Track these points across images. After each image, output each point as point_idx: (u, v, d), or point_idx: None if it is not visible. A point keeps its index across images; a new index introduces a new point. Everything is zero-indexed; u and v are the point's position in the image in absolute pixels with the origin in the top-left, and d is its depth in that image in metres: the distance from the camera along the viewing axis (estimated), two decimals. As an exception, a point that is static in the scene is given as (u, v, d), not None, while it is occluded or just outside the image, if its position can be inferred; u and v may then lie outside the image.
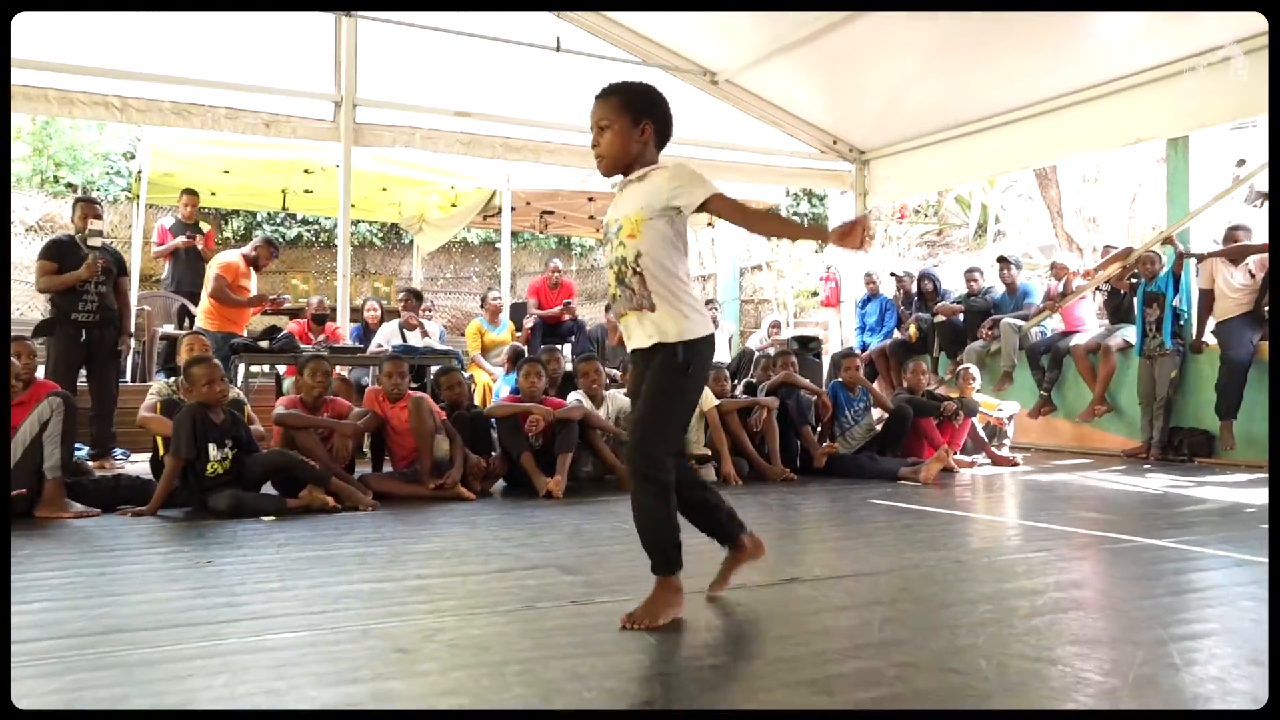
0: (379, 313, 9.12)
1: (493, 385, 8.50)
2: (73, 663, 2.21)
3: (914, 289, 9.97)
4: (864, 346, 9.93)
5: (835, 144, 10.27)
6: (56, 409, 4.45)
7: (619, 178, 2.74)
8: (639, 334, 2.65)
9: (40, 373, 5.76)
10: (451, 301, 15.60)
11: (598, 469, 5.95)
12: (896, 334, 9.76)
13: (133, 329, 7.25)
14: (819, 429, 6.67)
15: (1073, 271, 8.60)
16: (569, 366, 6.96)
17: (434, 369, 7.31)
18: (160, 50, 7.69)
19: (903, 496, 5.36)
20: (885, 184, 10.35)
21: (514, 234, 13.01)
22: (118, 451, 6.78)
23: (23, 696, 1.97)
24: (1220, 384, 6.93)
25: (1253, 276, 6.89)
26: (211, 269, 7.95)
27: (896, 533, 4.20)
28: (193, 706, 1.93)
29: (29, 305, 12.20)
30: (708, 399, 6.15)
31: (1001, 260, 9.26)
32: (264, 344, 6.91)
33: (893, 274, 10.44)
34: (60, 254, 6.49)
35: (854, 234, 2.54)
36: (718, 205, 2.62)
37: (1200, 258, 7.24)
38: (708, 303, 12.20)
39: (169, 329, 8.81)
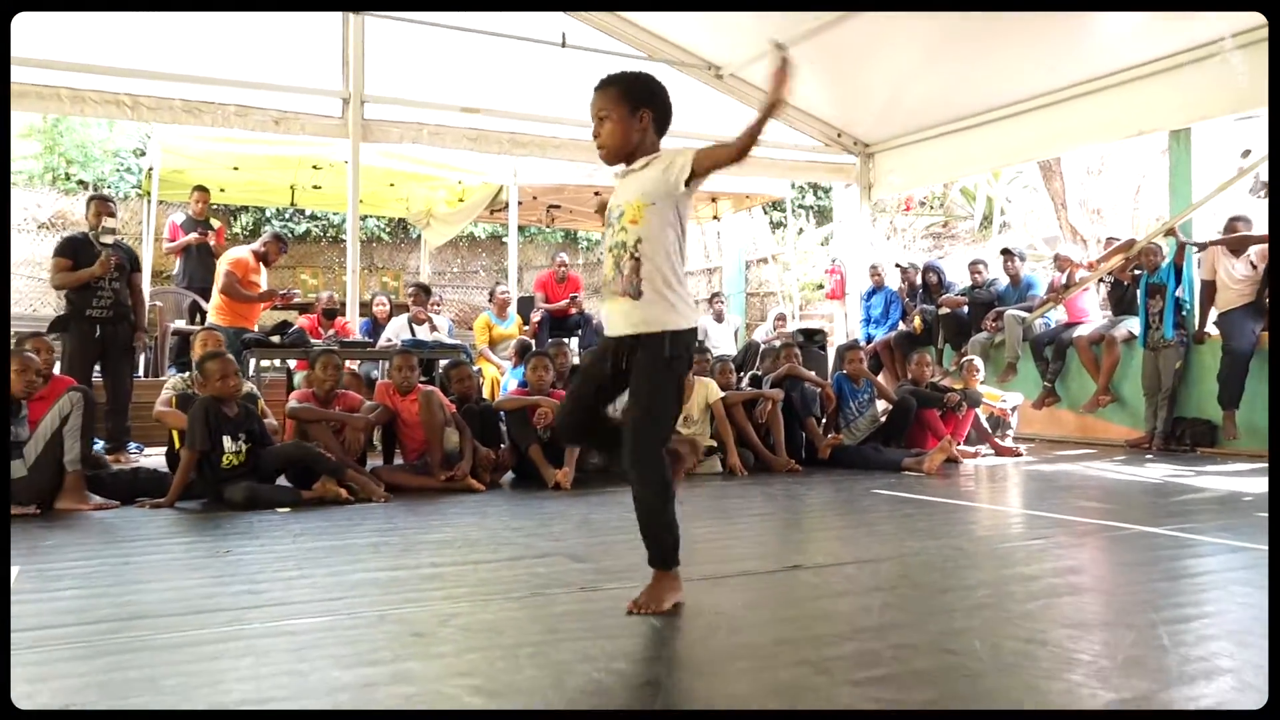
0: (388, 307, 9.22)
1: (500, 379, 8.59)
2: (104, 646, 2.31)
3: (918, 281, 10.04)
4: (869, 339, 10.00)
5: (840, 137, 10.32)
6: (76, 404, 4.55)
7: (622, 166, 2.78)
8: (620, 321, 2.66)
9: (56, 368, 5.88)
10: (459, 295, 15.70)
11: (604, 461, 6.03)
12: (901, 326, 9.83)
13: (146, 325, 7.35)
14: (823, 421, 6.75)
15: (1076, 263, 8.65)
16: (576, 360, 7.05)
17: (443, 363, 7.42)
18: (170, 49, 7.78)
19: (906, 487, 5.44)
20: (890, 177, 10.41)
21: (521, 228, 13.09)
22: (132, 446, 6.89)
23: (58, 678, 2.06)
24: (1222, 374, 6.99)
25: (1254, 268, 6.94)
26: (222, 265, 8.05)
27: (898, 522, 4.29)
28: (220, 685, 2.02)
29: (42, 301, 12.34)
30: (713, 391, 6.24)
31: (1005, 252, 9.32)
32: (275, 339, 7.01)
33: (897, 266, 10.51)
34: (74, 251, 6.60)
35: (781, 82, 2.51)
36: (702, 161, 2.61)
37: (1201, 246, 7.29)
38: (714, 296, 12.31)
39: (181, 324, 8.93)
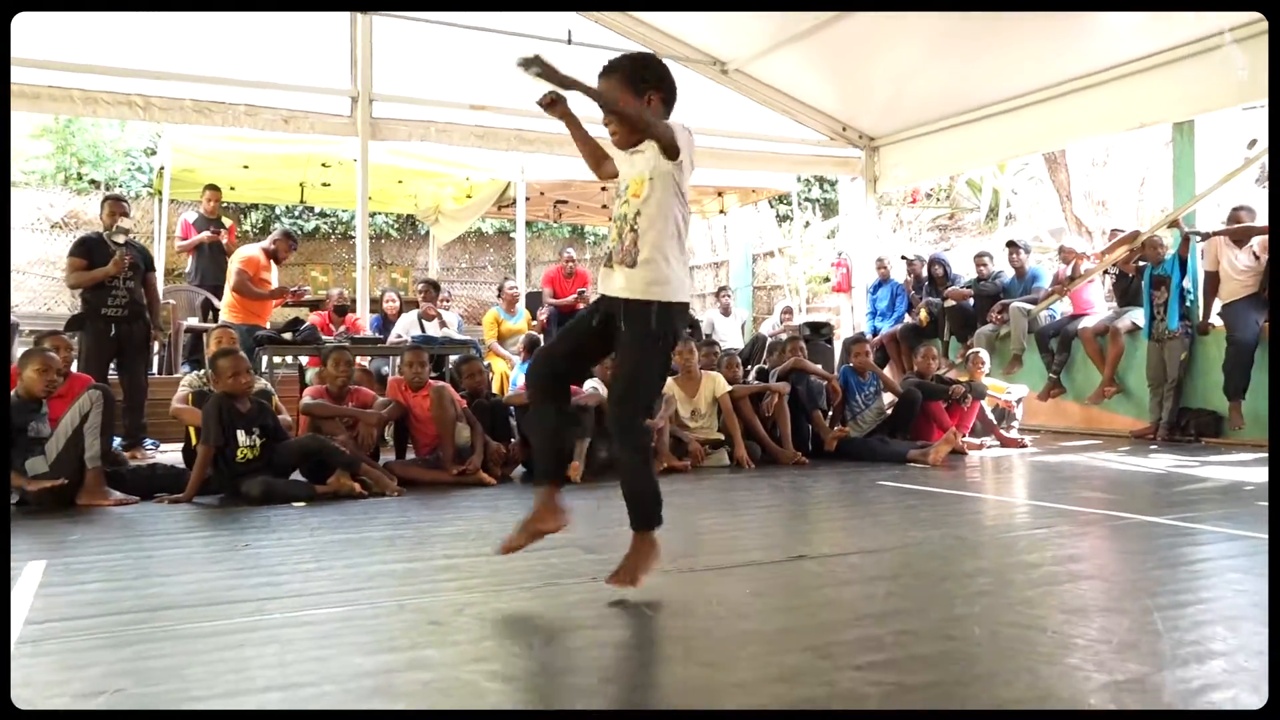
0: (398, 304, 9.30)
1: (510, 374, 8.67)
2: (131, 636, 2.39)
3: (924, 274, 10.08)
4: (875, 331, 10.05)
5: (845, 131, 10.37)
6: (96, 401, 4.65)
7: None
8: (613, 284, 2.73)
9: (73, 367, 5.98)
10: (467, 291, 15.78)
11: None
12: (907, 319, 9.87)
13: (162, 323, 7.44)
14: (830, 413, 6.82)
15: (1080, 255, 8.70)
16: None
17: (453, 358, 7.51)
18: (181, 49, 7.86)
19: (911, 478, 5.50)
20: (895, 170, 10.45)
21: (528, 223, 13.17)
22: (148, 442, 6.98)
23: (90, 665, 2.15)
24: (1227, 365, 7.03)
25: (1257, 258, 6.98)
26: (233, 263, 8.14)
27: (903, 512, 4.36)
28: (245, 672, 2.10)
29: (56, 300, 12.46)
30: (720, 385, 6.31)
31: (1010, 245, 9.36)
32: (287, 336, 7.09)
33: (903, 258, 10.55)
34: (89, 251, 6.68)
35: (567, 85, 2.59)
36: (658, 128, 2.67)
37: (1204, 236, 7.33)
38: (720, 289, 12.36)
39: (194, 322, 9.02)
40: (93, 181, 13.82)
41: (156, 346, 7.78)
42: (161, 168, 10.40)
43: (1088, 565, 3.25)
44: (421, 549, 3.54)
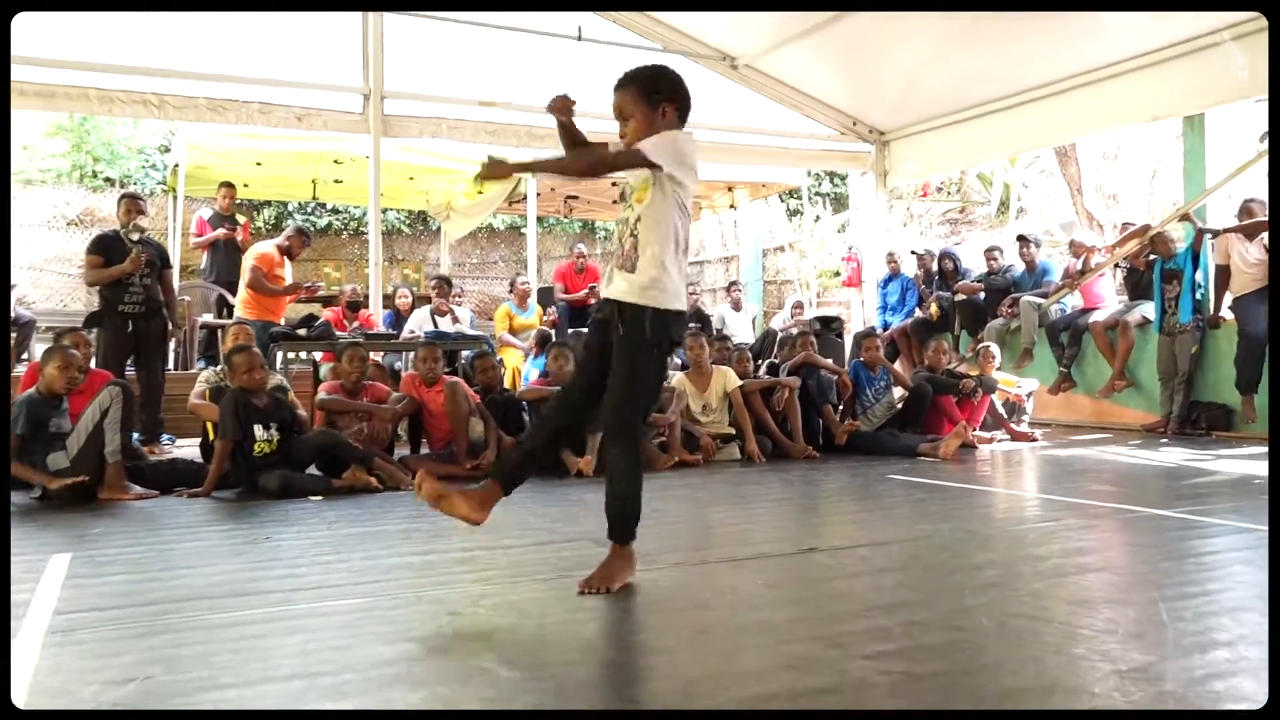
0: (410, 299, 9.37)
1: (522, 369, 8.73)
2: (159, 626, 2.46)
3: (935, 268, 10.10)
4: (886, 325, 10.08)
5: (855, 125, 10.39)
6: (116, 397, 4.72)
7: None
8: (613, 286, 2.78)
9: (91, 363, 6.05)
10: (479, 287, 15.85)
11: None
12: (918, 313, 9.89)
13: (179, 319, 7.53)
14: (840, 407, 6.85)
15: (1091, 248, 8.70)
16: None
17: (465, 353, 7.57)
18: (195, 48, 7.94)
19: (921, 472, 5.54)
20: (905, 164, 10.47)
21: (539, 219, 13.22)
22: (165, 437, 7.06)
23: (121, 654, 2.21)
24: (1239, 359, 7.03)
25: (1268, 251, 6.98)
26: (248, 260, 8.22)
27: (912, 506, 4.40)
28: (270, 661, 2.16)
29: (72, 297, 12.59)
30: (731, 379, 6.36)
31: (1021, 239, 9.37)
32: (302, 332, 7.16)
33: (914, 253, 10.56)
34: (106, 248, 6.76)
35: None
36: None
37: (1215, 234, 7.33)
38: (731, 284, 12.39)
39: (209, 318, 9.11)
40: (108, 179, 13.93)
41: (173, 343, 7.86)
42: (176, 165, 10.50)
43: (1095, 558, 3.29)
44: (437, 542, 3.59)
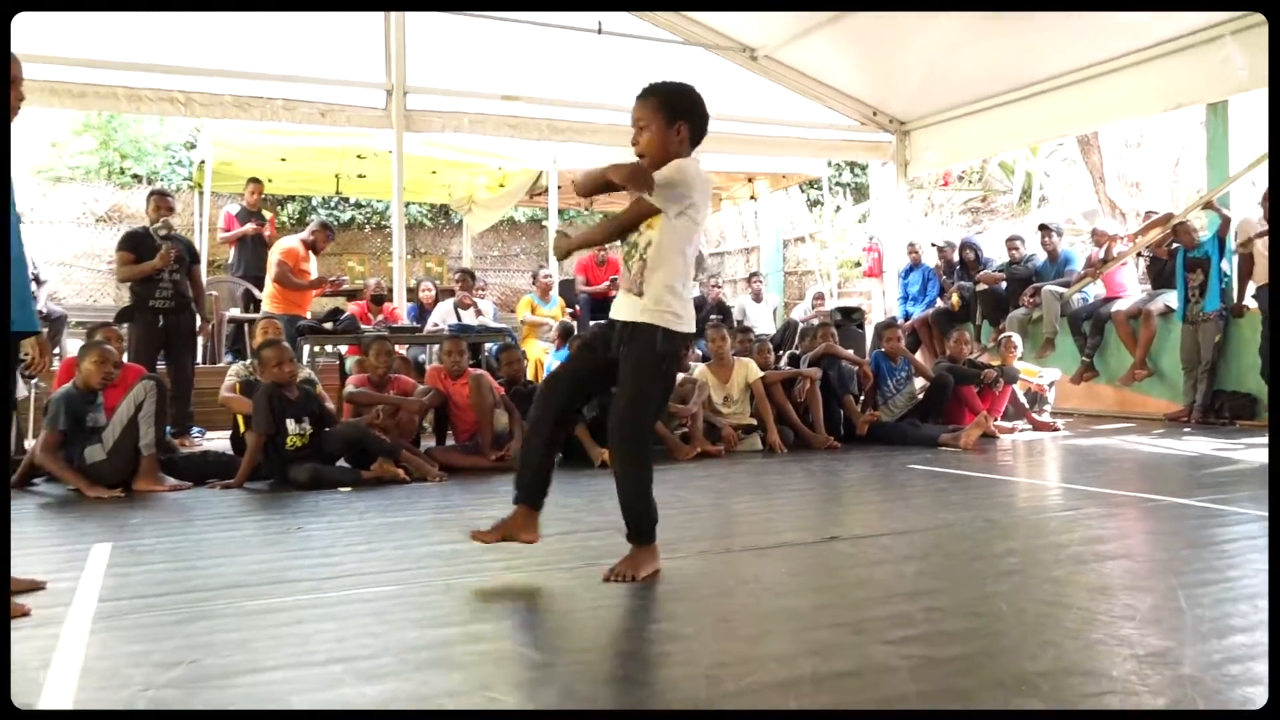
0: (433, 293, 9.46)
1: (544, 361, 8.81)
2: (200, 612, 2.54)
3: (956, 258, 10.09)
4: (907, 316, 10.08)
5: (875, 115, 10.37)
6: (150, 391, 4.82)
7: None
8: (622, 310, 2.86)
9: (124, 358, 6.17)
10: (500, 279, 15.95)
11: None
12: (939, 303, 9.89)
13: (208, 314, 7.64)
14: (861, 398, 6.89)
15: (1114, 237, 8.67)
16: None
17: (488, 346, 7.65)
18: (220, 46, 8.04)
19: (942, 462, 5.57)
20: (926, 154, 10.45)
21: (560, 211, 13.28)
22: (195, 430, 7.19)
23: (165, 639, 2.30)
24: (1264, 348, 7.00)
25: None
26: (273, 255, 8.32)
27: (933, 495, 4.43)
28: (308, 645, 2.24)
29: (101, 292, 12.78)
30: (753, 371, 6.40)
31: (1043, 228, 9.34)
32: (328, 325, 7.26)
33: (934, 245, 10.55)
34: (136, 245, 6.88)
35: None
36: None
37: (1244, 245, 7.25)
38: (752, 275, 12.42)
39: (235, 313, 9.24)
40: (135, 176, 14.11)
41: (200, 337, 7.98)
42: (201, 161, 10.63)
43: (1116, 546, 3.32)
44: (466, 531, 3.66)
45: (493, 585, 2.80)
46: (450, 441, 5.91)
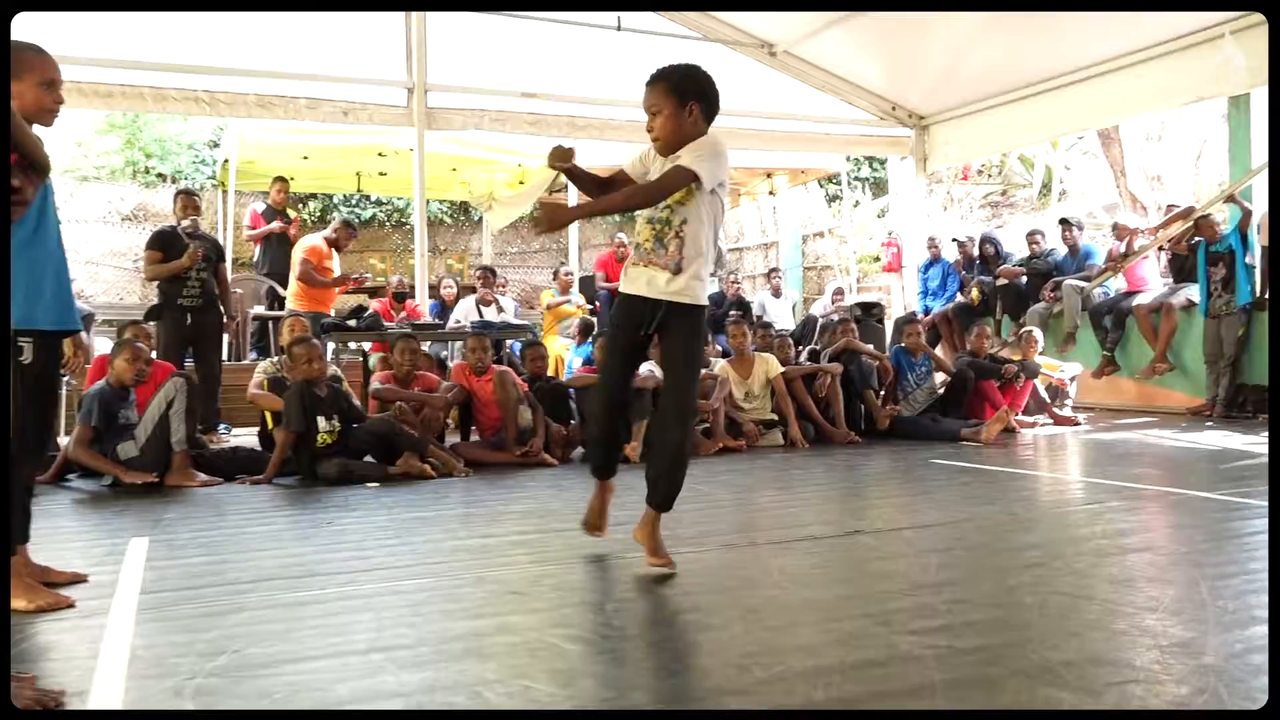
0: (455, 289, 9.53)
1: (565, 357, 8.86)
2: (241, 603, 2.61)
3: (975, 253, 10.07)
4: (927, 310, 10.08)
5: (894, 110, 10.37)
6: (180, 389, 4.91)
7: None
8: (650, 284, 2.89)
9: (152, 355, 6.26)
10: (520, 276, 16.01)
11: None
12: (959, 297, 9.89)
13: (234, 312, 7.74)
14: (882, 393, 6.91)
15: (1135, 231, 8.65)
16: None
17: (510, 342, 7.71)
18: (244, 46, 8.13)
19: (963, 456, 5.60)
20: (946, 148, 10.44)
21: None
22: (221, 426, 7.28)
23: (212, 629, 2.36)
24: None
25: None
26: (297, 253, 8.40)
27: (955, 489, 4.46)
28: (347, 635, 2.30)
29: (127, 290, 12.93)
30: (774, 366, 6.44)
31: (1063, 222, 9.33)
32: (351, 323, 7.33)
33: (954, 240, 10.54)
34: (164, 244, 6.96)
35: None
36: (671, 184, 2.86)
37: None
38: (771, 271, 12.44)
39: (260, 310, 9.34)
40: (160, 175, 14.25)
41: (225, 335, 8.08)
42: (225, 160, 10.73)
43: (1138, 539, 3.34)
44: (494, 526, 3.73)
45: (523, 578, 2.85)
46: (475, 437, 5.97)
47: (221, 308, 7.16)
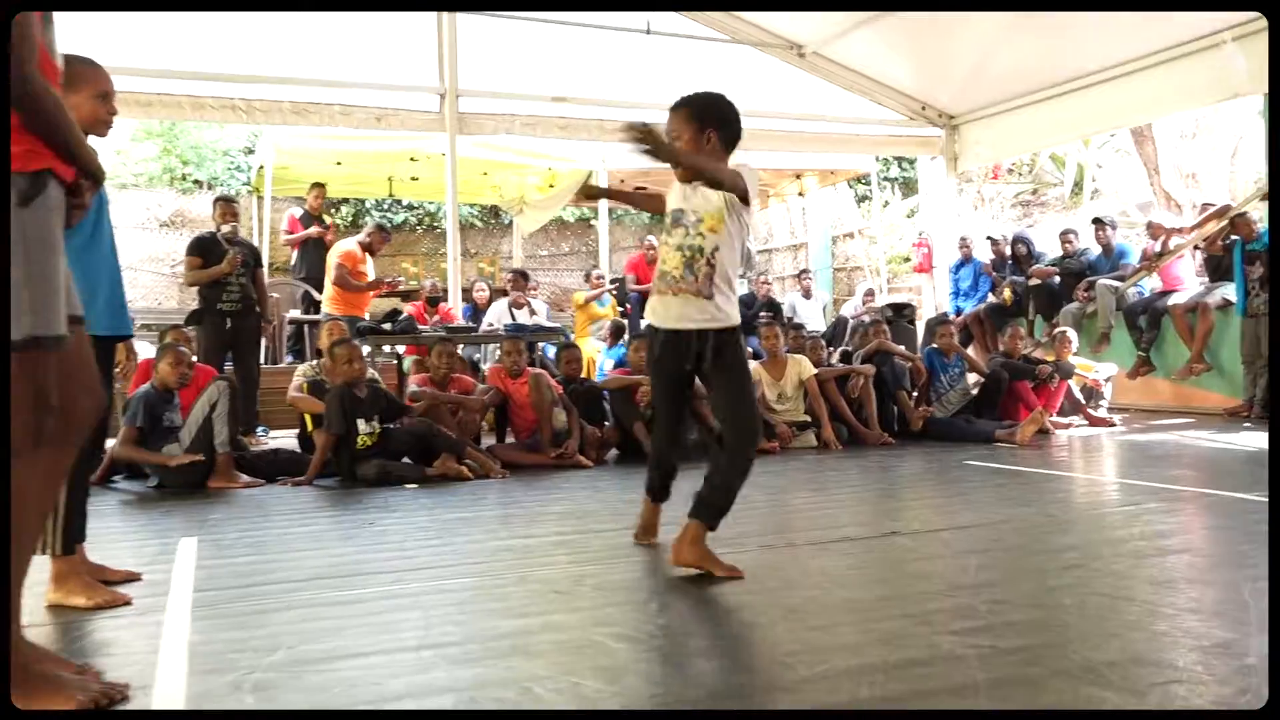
0: (487, 293, 9.62)
1: (596, 360, 8.92)
2: (290, 602, 2.67)
3: (1008, 252, 10.03)
4: (958, 311, 10.05)
5: (924, 110, 10.34)
6: (223, 391, 5.01)
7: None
8: (683, 314, 2.96)
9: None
10: (550, 278, 16.11)
11: (703, 436, 6.30)
12: (991, 298, 9.85)
13: (271, 316, 7.87)
14: (915, 394, 6.90)
15: (1170, 230, 8.58)
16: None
17: (543, 345, 7.77)
18: (278, 54, 8.25)
19: (998, 458, 5.59)
20: (976, 148, 10.40)
21: (609, 210, 13.39)
22: (259, 429, 7.40)
23: (267, 625, 2.42)
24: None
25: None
26: (332, 258, 8.53)
27: (991, 491, 4.46)
28: (397, 633, 2.35)
29: (165, 295, 13.15)
30: (806, 368, 6.45)
31: (1097, 221, 9.27)
32: (387, 326, 7.43)
33: (988, 238, 10.49)
34: (204, 250, 7.10)
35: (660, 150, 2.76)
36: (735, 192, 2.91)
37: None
38: (801, 272, 12.45)
39: (295, 314, 9.47)
40: (196, 181, 14.47)
41: (263, 339, 8.20)
42: (260, 166, 10.89)
43: (1177, 540, 3.34)
44: (534, 526, 3.78)
45: (565, 578, 2.90)
46: (510, 439, 6.04)
47: (259, 311, 7.28)
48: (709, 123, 2.97)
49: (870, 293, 11.26)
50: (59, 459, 1.94)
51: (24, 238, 1.80)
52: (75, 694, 1.84)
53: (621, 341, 8.44)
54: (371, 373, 5.83)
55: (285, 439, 6.70)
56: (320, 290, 8.92)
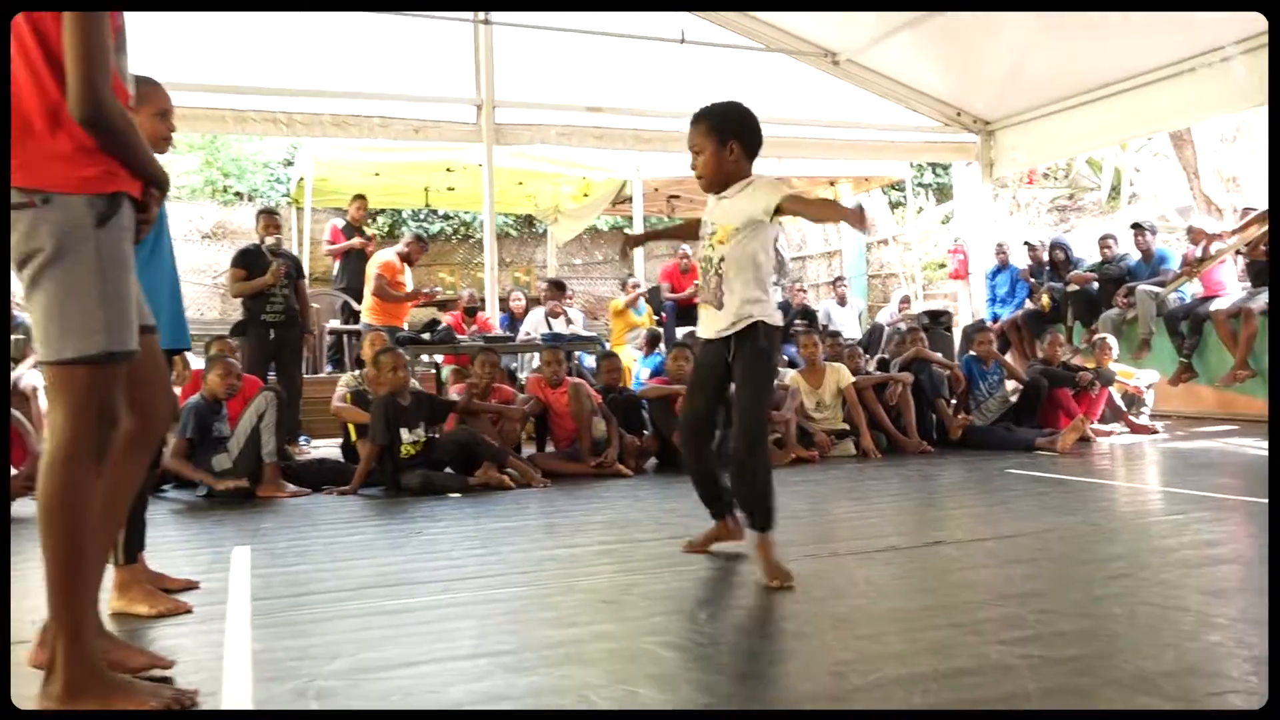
0: (524, 302, 9.70)
1: (632, 369, 8.95)
2: (345, 611, 2.73)
3: (1045, 258, 9.96)
4: (995, 318, 9.99)
5: (959, 116, 10.31)
6: (270, 402, 5.10)
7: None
8: (712, 325, 3.06)
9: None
10: (584, 287, 16.19)
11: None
12: (1028, 304, 9.78)
13: (312, 327, 7.98)
14: (953, 402, 6.88)
15: (1211, 234, 8.48)
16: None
17: (580, 354, 7.83)
18: (318, 67, 8.39)
19: (1039, 466, 5.56)
20: (1013, 153, 10.34)
21: (645, 218, 13.45)
22: (302, 438, 7.50)
23: (323, 634, 2.48)
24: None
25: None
26: (371, 268, 8.64)
27: (1034, 499, 4.45)
28: (452, 641, 2.40)
29: (207, 305, 13.38)
30: (844, 376, 6.46)
31: (1136, 227, 9.17)
32: (426, 336, 7.52)
33: (1026, 244, 10.42)
34: (248, 262, 7.22)
35: (860, 221, 2.88)
36: (787, 206, 2.98)
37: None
38: (836, 280, 12.43)
39: (335, 324, 9.59)
40: (237, 193, 14.70)
41: (305, 350, 8.32)
42: (300, 178, 11.05)
43: (1226, 549, 3.31)
44: (579, 535, 3.83)
45: (612, 587, 2.93)
46: (550, 448, 6.09)
47: (302, 322, 7.38)
48: (729, 134, 3.03)
49: (906, 299, 11.22)
50: (133, 468, 2.01)
51: (100, 257, 1.87)
52: (149, 699, 1.90)
53: (658, 350, 8.47)
54: (414, 383, 5.91)
55: (326, 448, 6.79)
56: (360, 300, 9.03)
